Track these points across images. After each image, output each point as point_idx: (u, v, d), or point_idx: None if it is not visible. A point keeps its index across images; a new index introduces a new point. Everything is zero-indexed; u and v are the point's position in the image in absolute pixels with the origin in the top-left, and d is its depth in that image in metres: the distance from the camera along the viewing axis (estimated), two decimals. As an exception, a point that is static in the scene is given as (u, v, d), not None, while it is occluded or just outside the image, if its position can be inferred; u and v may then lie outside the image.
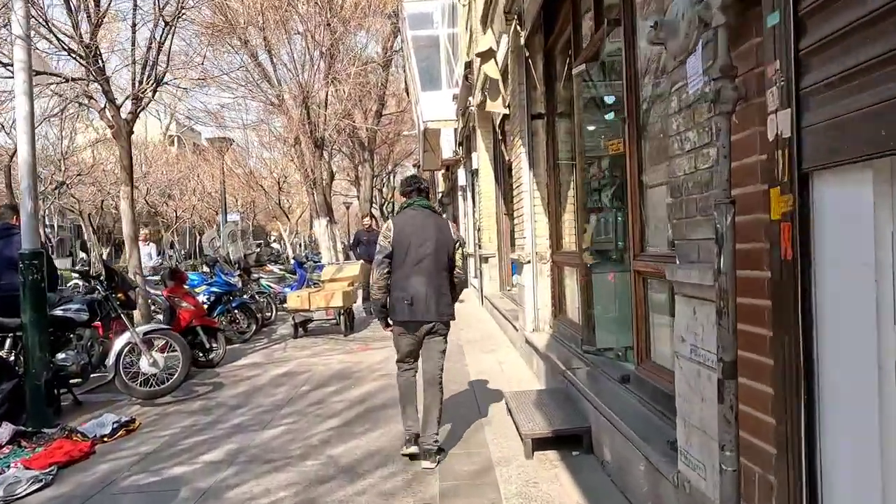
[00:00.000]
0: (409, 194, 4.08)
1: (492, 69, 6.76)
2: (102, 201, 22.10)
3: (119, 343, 5.48)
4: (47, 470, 3.90)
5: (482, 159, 11.59)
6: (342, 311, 8.94)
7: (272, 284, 12.36)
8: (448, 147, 16.60)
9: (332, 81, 15.36)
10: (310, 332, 9.54)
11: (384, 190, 40.74)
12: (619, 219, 4.74)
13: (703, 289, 2.14)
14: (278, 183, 17.33)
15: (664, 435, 2.87)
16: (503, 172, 11.41)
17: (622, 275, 4.64)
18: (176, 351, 5.81)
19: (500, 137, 11.08)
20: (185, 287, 7.55)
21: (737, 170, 1.90)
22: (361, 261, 10.45)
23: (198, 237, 40.69)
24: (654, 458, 2.74)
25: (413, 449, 3.87)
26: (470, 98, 12.05)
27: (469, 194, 16.23)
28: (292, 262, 13.42)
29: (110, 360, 5.43)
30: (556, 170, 6.13)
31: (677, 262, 2.44)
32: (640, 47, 3.64)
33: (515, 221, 6.83)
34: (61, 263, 11.64)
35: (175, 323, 6.99)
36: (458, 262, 3.96)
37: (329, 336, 9.14)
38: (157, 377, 5.62)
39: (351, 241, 33.95)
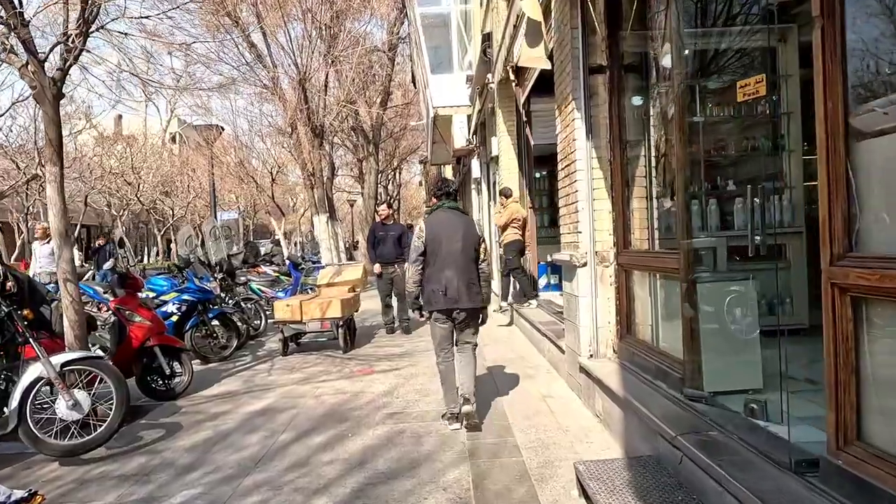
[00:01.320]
0: (440, 197, 4.58)
1: (531, 5, 5.17)
2: (87, 196, 20.64)
3: (25, 380, 3.94)
4: None
5: (503, 144, 10.02)
6: (340, 324, 7.40)
7: (264, 288, 10.83)
8: (461, 136, 15.03)
9: (332, 62, 13.84)
10: (302, 347, 8.00)
11: (389, 186, 39.23)
12: (757, 201, 3.15)
13: None
14: (271, 174, 15.69)
15: None
16: (527, 159, 9.85)
17: (760, 283, 3.08)
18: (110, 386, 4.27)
19: (524, 119, 9.53)
20: (141, 296, 6.02)
21: None
22: (363, 262, 8.91)
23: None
24: None
25: (456, 425, 4.30)
26: (489, 75, 10.48)
27: (484, 187, 14.66)
28: (287, 262, 11.87)
29: (11, 405, 3.89)
30: (623, 143, 4.57)
31: None
32: None
33: (562, 212, 5.26)
34: None
35: (125, 344, 5.47)
36: (483, 256, 4.45)
37: (325, 353, 7.60)
38: (88, 423, 4.09)
39: (352, 242, 32.38)
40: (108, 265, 5.66)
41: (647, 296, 4.37)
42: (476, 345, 4.51)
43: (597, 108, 4.62)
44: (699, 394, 3.29)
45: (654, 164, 4.52)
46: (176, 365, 5.75)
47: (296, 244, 34.65)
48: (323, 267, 14.06)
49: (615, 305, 4.61)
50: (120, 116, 36.99)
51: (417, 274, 4.37)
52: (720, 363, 3.34)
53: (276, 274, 12.36)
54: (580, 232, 4.69)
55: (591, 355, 4.66)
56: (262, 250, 26.49)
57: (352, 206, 35.69)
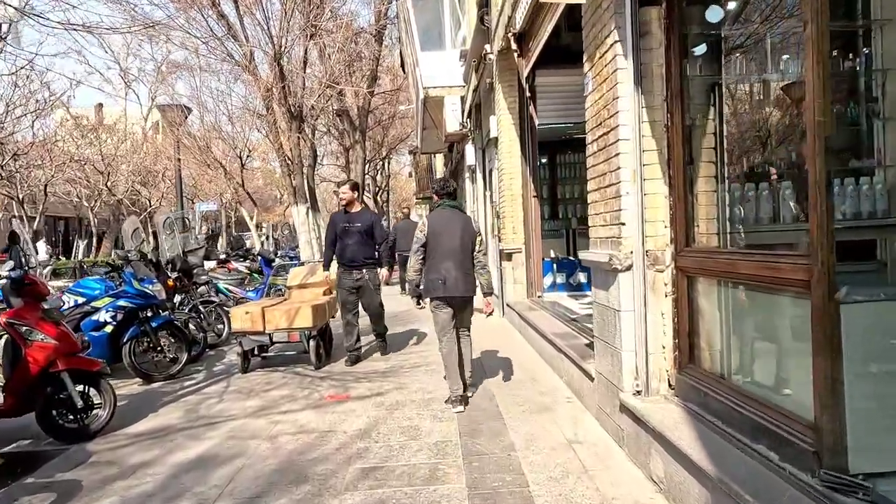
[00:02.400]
0: (442, 196, 4.95)
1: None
2: (47, 185, 19.10)
3: None
4: None
5: (503, 124, 8.76)
6: (311, 335, 6.13)
7: (232, 287, 9.53)
8: (453, 119, 13.73)
9: (311, 35, 12.47)
10: (268, 361, 6.73)
11: (378, 177, 37.82)
12: None
13: None
14: (240, 158, 14.21)
15: None
16: (531, 142, 8.61)
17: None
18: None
19: (528, 95, 8.30)
20: (54, 304, 4.72)
21: None
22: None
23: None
24: None
25: (460, 408, 4.57)
26: (487, 46, 9.21)
27: (479, 175, 13.41)
28: (258, 258, 10.57)
29: None
30: (685, 103, 3.32)
31: None
32: None
33: (593, 199, 4.01)
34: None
35: (21, 369, 4.18)
36: (479, 248, 4.79)
37: (293, 369, 6.33)
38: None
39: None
40: (5, 268, 4.33)
41: (721, 311, 3.15)
42: (469, 329, 4.99)
43: (649, 53, 3.37)
44: (848, 481, 2.07)
45: (722, 134, 3.30)
46: (91, 396, 4.47)
47: (267, 238, 32.90)
48: (301, 263, 12.77)
49: (673, 324, 3.38)
50: (101, 105, 35.43)
51: (419, 263, 4.74)
52: (881, 431, 2.12)
53: (248, 271, 11.05)
54: (623, 224, 3.45)
55: (639, 391, 3.43)
56: (248, 243, 25.08)
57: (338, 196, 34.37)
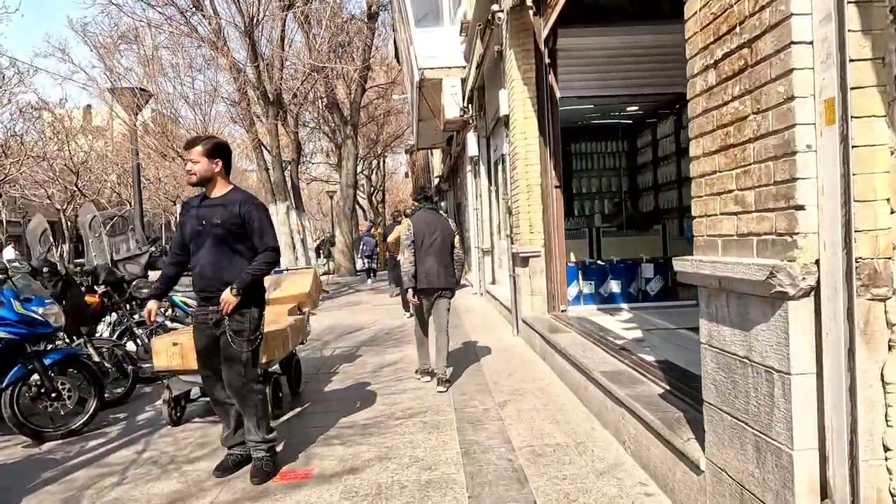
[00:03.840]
0: (420, 200, 5.69)
1: None
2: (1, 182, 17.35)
3: None
4: None
5: (516, 98, 7.09)
6: (273, 375, 4.45)
7: (192, 301, 7.82)
8: (453, 104, 12.05)
9: (288, 5, 10.80)
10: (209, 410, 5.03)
11: (373, 177, 36.10)
12: None
13: None
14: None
15: None
16: (551, 119, 6.95)
17: None
18: None
19: (547, 61, 6.69)
20: None
21: None
22: (314, 269, 6.00)
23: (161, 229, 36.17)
24: None
25: (427, 378, 5.42)
26: (494, 5, 7.53)
27: (482, 168, 11.75)
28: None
29: None
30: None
31: None
32: None
33: (711, 164, 2.32)
34: None
35: None
36: (457, 245, 5.43)
37: (243, 419, 4.63)
38: None
39: (329, 237, 28.94)
40: None
41: None
42: (447, 325, 5.44)
43: None
44: None
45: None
46: None
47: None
48: (282, 270, 11.11)
49: (912, 406, 1.70)
50: (89, 106, 33.88)
51: (412, 256, 5.27)
52: None
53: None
54: (799, 208, 1.78)
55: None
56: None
57: (332, 197, 32.45)
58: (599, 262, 7.36)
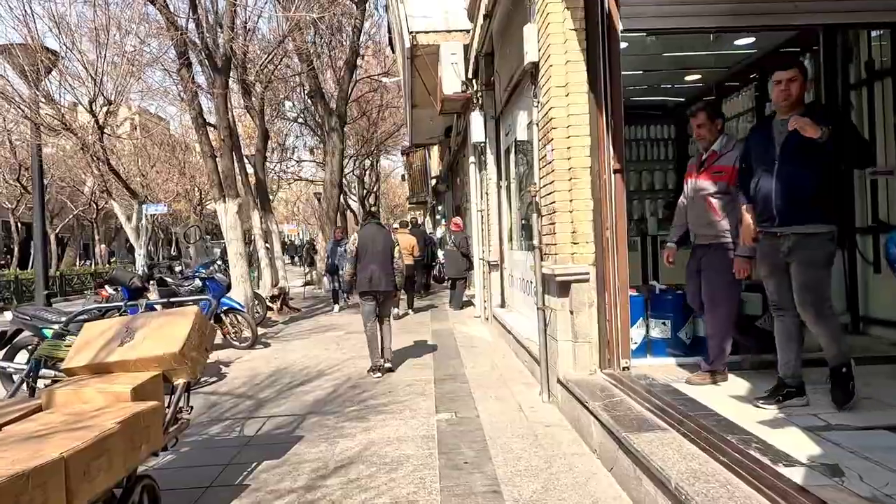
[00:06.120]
0: (366, 218, 7.08)
1: None
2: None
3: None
4: None
5: (553, 32, 4.50)
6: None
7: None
8: (453, 77, 9.47)
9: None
10: None
11: (366, 179, 33.43)
12: None
13: None
14: (93, 115, 9.60)
15: None
16: (608, 65, 4.42)
17: None
18: None
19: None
20: None
21: None
22: (196, 308, 3.38)
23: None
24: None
25: (378, 374, 6.06)
26: None
27: (490, 156, 9.14)
28: (120, 288, 6.32)
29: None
30: None
31: None
32: None
33: None
34: None
35: None
36: (396, 255, 6.30)
37: None
38: None
39: (308, 243, 25.80)
40: None
41: None
42: (390, 317, 6.51)
43: None
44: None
45: None
46: None
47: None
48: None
49: None
50: (76, 104, 31.43)
51: (353, 268, 6.20)
52: None
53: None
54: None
55: None
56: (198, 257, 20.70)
57: (319, 199, 29.79)
58: (678, 290, 4.73)
